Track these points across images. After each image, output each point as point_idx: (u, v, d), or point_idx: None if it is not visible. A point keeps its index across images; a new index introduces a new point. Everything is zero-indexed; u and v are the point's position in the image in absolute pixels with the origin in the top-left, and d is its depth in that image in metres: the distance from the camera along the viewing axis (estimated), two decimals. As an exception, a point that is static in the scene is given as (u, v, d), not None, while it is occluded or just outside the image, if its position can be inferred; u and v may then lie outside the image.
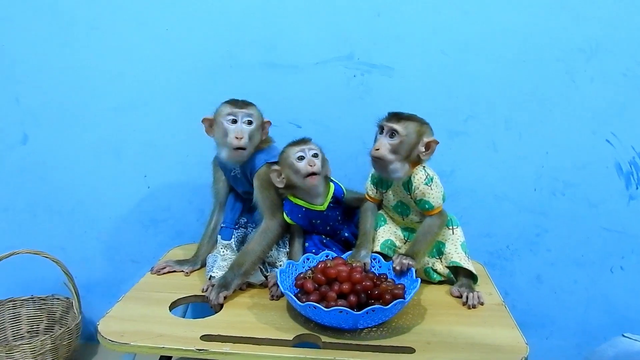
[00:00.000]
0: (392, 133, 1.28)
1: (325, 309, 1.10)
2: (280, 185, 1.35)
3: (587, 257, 1.61)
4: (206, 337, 1.13)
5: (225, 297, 1.27)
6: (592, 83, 1.49)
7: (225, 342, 1.12)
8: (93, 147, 1.70)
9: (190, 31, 1.59)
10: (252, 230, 1.46)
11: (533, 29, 1.49)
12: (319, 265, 1.25)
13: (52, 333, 1.59)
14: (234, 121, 1.34)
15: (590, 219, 1.58)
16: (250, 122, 1.35)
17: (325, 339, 1.14)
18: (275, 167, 1.35)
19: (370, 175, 1.42)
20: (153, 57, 1.61)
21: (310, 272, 1.26)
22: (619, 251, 1.60)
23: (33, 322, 1.77)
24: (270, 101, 1.59)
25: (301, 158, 1.32)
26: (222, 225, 1.45)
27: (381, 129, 1.31)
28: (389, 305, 1.11)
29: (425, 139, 1.30)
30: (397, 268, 1.27)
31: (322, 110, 1.60)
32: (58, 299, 1.77)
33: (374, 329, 1.18)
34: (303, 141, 1.35)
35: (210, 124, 1.38)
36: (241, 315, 1.24)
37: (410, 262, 1.27)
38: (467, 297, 1.30)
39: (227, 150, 1.35)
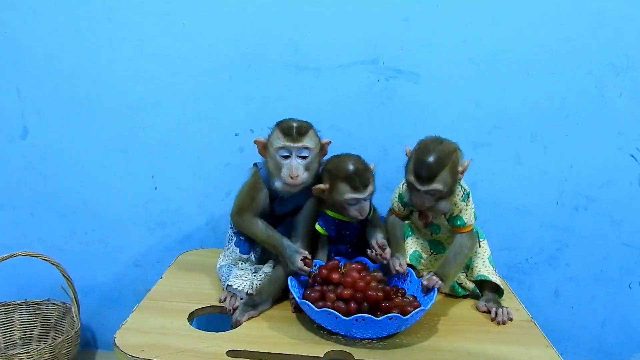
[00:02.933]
0: (433, 192, 1.22)
1: (316, 309, 1.09)
2: (324, 198, 1.29)
3: (606, 272, 1.59)
4: (232, 353, 1.07)
5: (250, 318, 1.21)
6: (620, 98, 1.48)
7: (253, 358, 1.06)
8: (99, 144, 1.61)
9: (209, 27, 1.52)
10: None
11: (564, 41, 1.46)
12: (331, 262, 1.24)
13: (51, 341, 1.50)
14: (287, 156, 1.24)
15: (611, 235, 1.57)
16: (305, 156, 1.24)
17: (357, 355, 1.09)
18: (323, 186, 1.26)
19: (399, 193, 1.37)
20: (168, 53, 1.54)
21: (317, 269, 1.24)
22: (638, 268, 1.58)
23: (26, 327, 1.67)
24: (290, 104, 1.55)
25: (353, 203, 1.25)
26: (240, 237, 1.36)
27: (415, 188, 1.22)
28: (381, 318, 1.07)
29: (460, 168, 1.24)
30: (425, 283, 1.22)
31: (343, 114, 1.55)
32: (54, 303, 1.68)
33: (407, 344, 1.13)
34: (362, 183, 1.23)
35: (263, 146, 1.28)
36: (265, 329, 1.18)
37: (440, 283, 1.21)
38: (495, 313, 1.26)
39: (281, 183, 1.25)
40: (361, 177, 1.23)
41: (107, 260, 1.70)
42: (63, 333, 1.63)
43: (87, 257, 1.70)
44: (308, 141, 1.23)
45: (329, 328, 1.13)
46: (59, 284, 1.61)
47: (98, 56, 1.55)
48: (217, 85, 1.55)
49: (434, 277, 1.22)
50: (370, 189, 1.26)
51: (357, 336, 1.12)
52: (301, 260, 1.21)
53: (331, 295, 1.15)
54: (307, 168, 1.24)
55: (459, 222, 1.29)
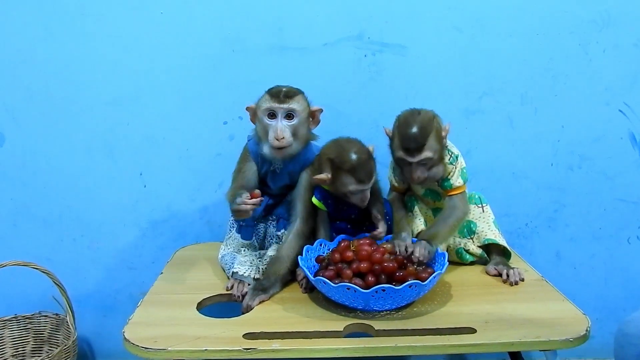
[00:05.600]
0: (424, 162, 1.22)
1: (334, 285, 1.06)
2: (323, 185, 1.26)
3: (604, 229, 1.61)
4: (249, 336, 1.03)
5: (261, 302, 1.17)
6: (604, 54, 1.50)
7: (271, 339, 1.02)
8: (81, 145, 1.55)
9: (189, 14, 1.48)
10: (271, 224, 1.36)
11: (545, 1, 1.47)
12: (342, 244, 1.21)
13: (49, 353, 1.42)
14: (273, 116, 1.21)
15: (606, 191, 1.58)
16: (291, 117, 1.21)
17: (377, 326, 1.06)
18: (325, 176, 1.22)
19: (392, 167, 1.37)
20: (147, 44, 1.50)
21: (327, 253, 1.22)
22: (634, 221, 1.60)
23: (18, 344, 1.58)
24: None
25: (356, 193, 1.23)
26: (241, 223, 1.33)
27: (406, 162, 1.22)
28: (401, 286, 1.05)
29: (444, 133, 1.25)
30: (420, 258, 1.17)
31: (333, 93, 1.52)
32: (46, 316, 1.60)
33: (425, 311, 1.11)
34: (367, 175, 1.21)
35: (254, 112, 1.26)
36: (278, 311, 1.14)
37: (431, 254, 1.19)
38: (507, 275, 1.26)
39: (268, 147, 1.22)
40: (366, 168, 1.21)
41: (98, 266, 1.63)
42: (58, 346, 1.55)
43: (77, 264, 1.62)
44: (295, 104, 1.21)
45: (347, 303, 1.10)
46: (50, 295, 1.54)
47: (72, 52, 1.50)
48: (202, 74, 1.51)
49: (422, 247, 1.18)
50: (374, 178, 1.24)
51: (376, 308, 1.10)
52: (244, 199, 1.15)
53: (347, 271, 1.13)
54: (294, 132, 1.22)
55: (446, 184, 1.29)
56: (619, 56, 1.50)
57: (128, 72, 1.51)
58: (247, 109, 1.27)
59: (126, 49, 1.50)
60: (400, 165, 1.27)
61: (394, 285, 1.08)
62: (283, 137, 1.19)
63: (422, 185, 1.31)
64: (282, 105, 1.20)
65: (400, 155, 1.22)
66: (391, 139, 1.27)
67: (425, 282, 1.08)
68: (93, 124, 1.54)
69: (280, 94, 1.20)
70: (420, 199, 1.38)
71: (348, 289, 1.06)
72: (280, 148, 1.20)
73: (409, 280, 1.09)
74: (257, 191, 1.17)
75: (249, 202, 1.15)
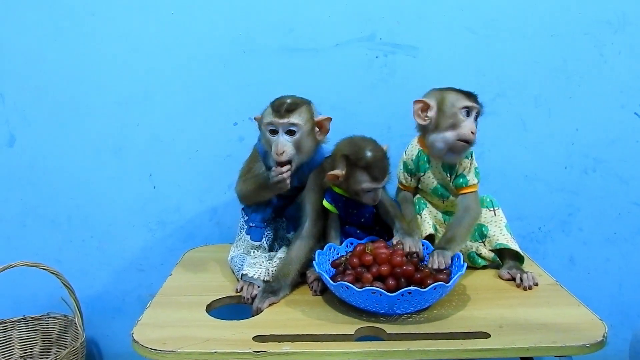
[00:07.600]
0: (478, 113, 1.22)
1: (358, 289, 1.03)
2: (333, 184, 1.25)
3: (619, 234, 1.58)
4: (259, 338, 1.01)
5: (271, 304, 1.16)
6: (619, 56, 1.48)
7: (282, 341, 1.00)
8: (90, 146, 1.55)
9: (199, 15, 1.48)
10: (281, 225, 1.35)
11: (559, 2, 1.46)
12: (358, 248, 1.19)
13: (57, 355, 1.41)
14: (275, 131, 1.19)
15: (621, 195, 1.56)
16: (293, 132, 1.20)
17: (389, 330, 1.04)
18: (339, 172, 1.20)
19: (403, 163, 1.35)
20: (157, 45, 1.49)
21: (344, 258, 1.19)
22: (650, 226, 1.58)
23: (27, 345, 1.58)
24: (288, 87, 1.48)
25: (369, 192, 1.22)
26: (250, 224, 1.32)
27: (472, 110, 1.23)
28: (427, 288, 1.03)
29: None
30: (434, 267, 1.14)
31: (344, 94, 1.52)
32: (54, 317, 1.59)
33: (438, 316, 1.09)
34: (382, 174, 1.20)
35: (259, 123, 1.24)
36: (289, 313, 1.12)
37: (447, 259, 1.15)
38: (521, 279, 1.23)
39: (272, 161, 1.21)
40: (381, 167, 1.20)
41: (106, 268, 1.63)
42: (66, 347, 1.54)
43: (86, 266, 1.62)
44: (296, 118, 1.19)
45: (369, 308, 1.08)
46: (58, 296, 1.54)
47: (82, 53, 1.50)
48: (212, 74, 1.51)
49: (440, 258, 1.15)
50: (388, 178, 1.24)
51: (399, 312, 1.08)
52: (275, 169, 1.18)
53: (368, 275, 1.11)
54: (297, 146, 1.20)
55: (461, 180, 1.27)
56: (634, 58, 1.48)
57: (137, 73, 1.51)
58: (255, 119, 1.26)
59: (136, 49, 1.49)
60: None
61: (413, 287, 1.05)
62: (283, 152, 1.18)
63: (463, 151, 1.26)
64: (282, 121, 1.18)
65: (474, 105, 1.24)
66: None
67: (449, 284, 1.06)
68: (102, 124, 1.53)
69: (281, 108, 1.18)
70: (430, 200, 1.36)
71: (373, 292, 1.03)
72: (282, 163, 1.19)
73: (427, 282, 1.08)
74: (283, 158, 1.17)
75: (284, 170, 1.16)
